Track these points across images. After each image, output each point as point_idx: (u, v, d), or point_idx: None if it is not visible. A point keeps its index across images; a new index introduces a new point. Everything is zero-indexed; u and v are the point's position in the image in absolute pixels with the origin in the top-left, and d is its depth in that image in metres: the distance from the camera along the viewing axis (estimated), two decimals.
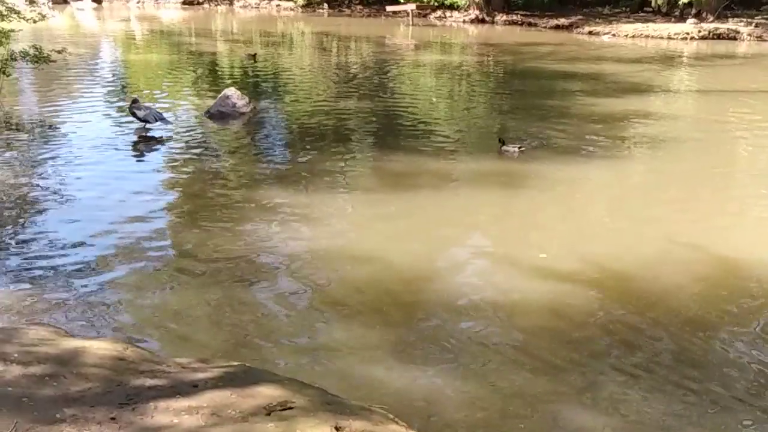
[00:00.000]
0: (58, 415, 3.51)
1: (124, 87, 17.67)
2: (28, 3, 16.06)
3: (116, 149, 11.48)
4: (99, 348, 4.23)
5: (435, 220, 8.68)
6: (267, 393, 3.80)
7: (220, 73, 20.47)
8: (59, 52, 14.64)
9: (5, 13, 14.51)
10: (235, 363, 4.43)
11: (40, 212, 8.59)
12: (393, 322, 6.13)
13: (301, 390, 3.92)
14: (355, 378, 5.14)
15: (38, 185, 9.53)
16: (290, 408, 3.68)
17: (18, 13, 14.98)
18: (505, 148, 11.21)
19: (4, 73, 14.32)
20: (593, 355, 5.68)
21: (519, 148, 11.22)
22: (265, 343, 5.67)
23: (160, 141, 11.97)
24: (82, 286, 6.53)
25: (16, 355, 4.00)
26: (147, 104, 12.78)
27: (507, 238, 8.14)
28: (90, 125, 13.09)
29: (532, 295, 6.58)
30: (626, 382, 5.28)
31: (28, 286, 6.51)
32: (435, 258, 7.56)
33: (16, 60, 14.14)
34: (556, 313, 6.26)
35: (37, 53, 14.13)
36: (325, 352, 5.52)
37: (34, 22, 15.67)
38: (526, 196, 9.49)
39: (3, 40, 13.80)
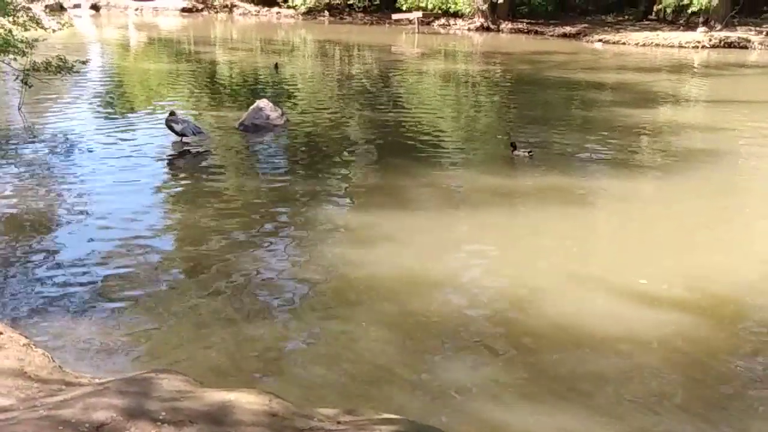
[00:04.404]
0: None
1: (149, 98, 17.15)
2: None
3: (153, 165, 10.95)
4: (247, 402, 3.80)
5: (503, 240, 8.29)
6: None
7: (241, 83, 19.97)
8: (83, 62, 14.18)
9: (27, 21, 14.01)
10: (393, 416, 4.02)
11: (74, 234, 8.03)
12: (504, 356, 5.76)
13: None
14: (497, 423, 4.75)
15: (71, 204, 8.99)
16: None
17: (38, 22, 14.50)
18: (516, 152, 11.36)
19: (26, 83, 13.83)
20: (728, 396, 5.32)
21: (529, 152, 11.37)
22: (385, 386, 5.24)
23: (198, 156, 11.49)
24: (166, 319, 6.11)
25: (164, 413, 3.57)
26: (184, 117, 12.27)
27: (593, 261, 7.75)
28: (119, 138, 12.38)
29: (644, 325, 6.22)
30: None
31: (104, 316, 6.08)
32: (524, 283, 7.06)
33: (38, 71, 13.63)
34: (677, 346, 5.91)
35: (60, 63, 13.67)
36: (453, 395, 5.12)
37: (54, 31, 15.22)
38: (584, 213, 9.17)
39: (26, 49, 13.30)
